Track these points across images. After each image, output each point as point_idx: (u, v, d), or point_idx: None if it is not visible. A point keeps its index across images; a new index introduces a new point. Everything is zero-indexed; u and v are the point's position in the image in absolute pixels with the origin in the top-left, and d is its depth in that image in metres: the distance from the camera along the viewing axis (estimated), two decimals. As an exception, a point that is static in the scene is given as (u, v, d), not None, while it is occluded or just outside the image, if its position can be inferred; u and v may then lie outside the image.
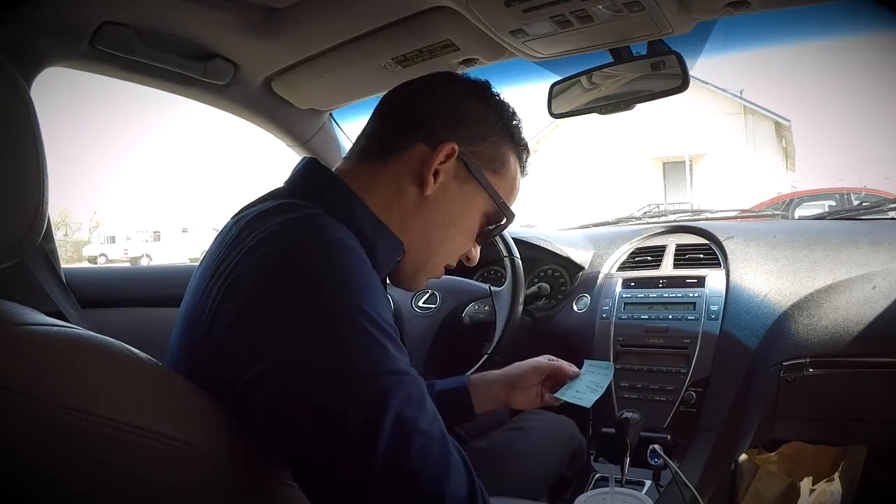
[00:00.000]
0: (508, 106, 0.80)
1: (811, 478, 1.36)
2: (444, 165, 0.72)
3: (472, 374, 1.04)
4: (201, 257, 0.68)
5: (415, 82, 0.80)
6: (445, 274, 0.83)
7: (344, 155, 0.79)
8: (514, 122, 0.80)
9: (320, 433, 0.51)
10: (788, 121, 16.25)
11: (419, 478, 0.51)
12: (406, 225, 0.73)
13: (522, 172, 0.83)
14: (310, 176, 0.73)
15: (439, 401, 0.90)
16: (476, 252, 0.82)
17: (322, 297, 0.54)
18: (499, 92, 0.81)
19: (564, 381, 1.00)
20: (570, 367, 1.02)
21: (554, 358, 1.04)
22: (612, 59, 1.12)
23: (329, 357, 0.52)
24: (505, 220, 0.80)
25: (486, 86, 0.80)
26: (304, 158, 0.76)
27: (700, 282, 1.35)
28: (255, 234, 0.59)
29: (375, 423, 0.50)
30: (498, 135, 0.77)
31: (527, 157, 0.83)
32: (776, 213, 3.79)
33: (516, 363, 1.05)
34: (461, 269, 1.68)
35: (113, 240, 22.13)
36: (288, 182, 0.74)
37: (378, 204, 0.71)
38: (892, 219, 1.58)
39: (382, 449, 0.50)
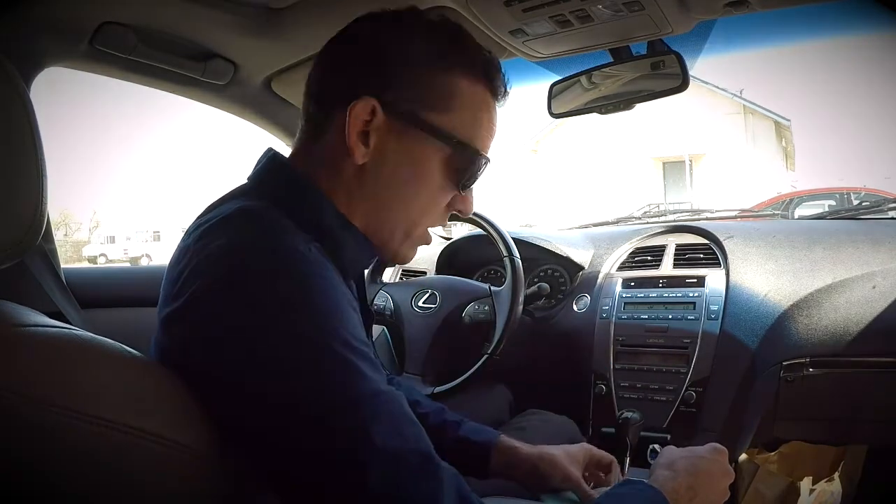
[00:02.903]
0: (446, 27, 0.67)
1: (811, 478, 1.36)
2: (371, 125, 0.62)
3: (501, 433, 0.92)
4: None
5: (336, 37, 0.69)
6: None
7: None
8: (457, 44, 0.66)
9: (305, 469, 0.50)
10: (788, 121, 16.28)
11: (413, 500, 0.50)
12: (354, 203, 0.65)
13: (496, 97, 0.69)
14: (272, 173, 0.67)
15: (457, 446, 0.87)
16: (466, 202, 0.71)
17: (288, 326, 0.51)
18: (434, 16, 0.67)
19: (603, 470, 0.90)
20: (608, 457, 0.91)
21: (592, 447, 0.91)
22: (611, 59, 1.12)
23: (305, 391, 0.50)
24: (473, 159, 0.67)
25: (410, 14, 0.67)
26: (266, 151, 0.69)
27: (700, 281, 1.35)
28: (207, 248, 0.56)
29: (359, 455, 0.49)
30: (433, 66, 0.64)
31: (495, 75, 0.68)
32: (776, 212, 3.80)
33: (552, 447, 0.89)
34: (461, 269, 1.69)
35: (113, 240, 22.14)
36: (251, 179, 0.68)
37: (327, 189, 0.64)
38: (892, 218, 1.58)
39: (371, 480, 0.49)
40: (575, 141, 15.81)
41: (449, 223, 2.25)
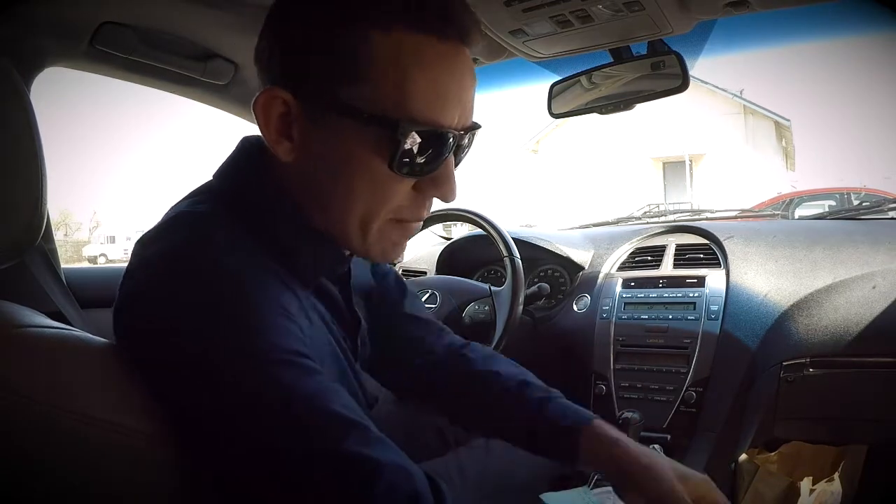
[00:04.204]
0: None
1: (811, 478, 1.35)
2: (291, 116, 0.55)
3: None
4: None
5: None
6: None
7: None
8: None
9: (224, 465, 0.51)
10: (788, 121, 16.25)
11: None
12: (306, 201, 0.59)
13: (430, 32, 0.53)
14: (239, 170, 0.62)
15: (542, 428, 0.76)
16: (439, 185, 0.58)
17: (198, 336, 0.50)
18: None
19: None
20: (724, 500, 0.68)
21: (712, 484, 0.68)
22: (611, 59, 1.12)
23: (211, 398, 0.50)
24: (396, 133, 0.52)
25: None
26: (241, 142, 0.64)
27: (700, 282, 1.35)
28: (144, 254, 0.57)
29: (256, 454, 0.49)
30: (333, 29, 0.53)
31: (416, 8, 0.52)
32: (776, 212, 3.79)
33: (661, 457, 0.70)
34: (461, 269, 1.68)
35: (113, 240, 22.14)
36: (216, 175, 0.63)
37: (286, 189, 0.60)
38: (892, 219, 1.58)
39: (273, 473, 0.49)
40: (575, 141, 15.80)
41: (449, 223, 2.25)
